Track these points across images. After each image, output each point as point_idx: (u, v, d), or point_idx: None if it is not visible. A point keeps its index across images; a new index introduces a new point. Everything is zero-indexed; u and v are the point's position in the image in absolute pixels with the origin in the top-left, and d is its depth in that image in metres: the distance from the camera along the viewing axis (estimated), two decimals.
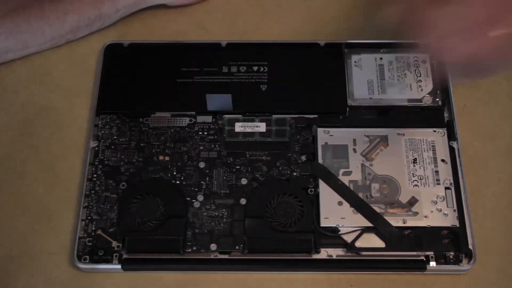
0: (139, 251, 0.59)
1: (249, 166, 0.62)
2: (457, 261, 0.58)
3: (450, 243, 0.59)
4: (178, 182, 0.62)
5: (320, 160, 0.62)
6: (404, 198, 0.60)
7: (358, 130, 0.63)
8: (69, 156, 0.64)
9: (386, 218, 0.59)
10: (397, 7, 0.51)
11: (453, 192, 0.60)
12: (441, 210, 0.59)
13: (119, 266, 0.58)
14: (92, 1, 0.67)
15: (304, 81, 0.66)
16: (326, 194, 0.60)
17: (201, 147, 0.63)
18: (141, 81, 0.66)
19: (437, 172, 0.61)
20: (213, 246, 0.59)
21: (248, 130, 0.64)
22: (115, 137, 0.64)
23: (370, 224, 0.59)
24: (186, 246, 0.59)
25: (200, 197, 0.61)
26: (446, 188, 0.60)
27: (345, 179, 0.61)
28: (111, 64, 0.67)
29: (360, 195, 0.60)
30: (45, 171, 0.64)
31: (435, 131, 0.63)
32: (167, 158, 0.63)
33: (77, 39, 0.70)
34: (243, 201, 0.61)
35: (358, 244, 0.58)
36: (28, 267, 0.60)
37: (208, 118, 0.64)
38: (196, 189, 0.61)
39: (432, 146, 0.62)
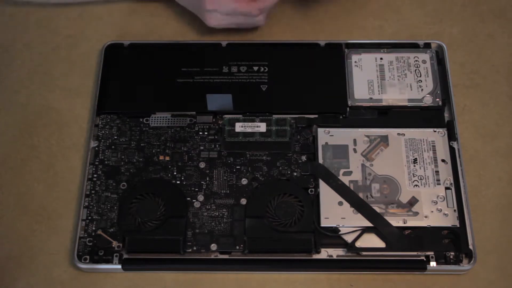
0: (140, 251, 0.59)
1: (250, 166, 0.62)
2: (458, 261, 0.58)
3: (451, 243, 0.59)
4: (178, 182, 0.62)
5: (320, 160, 0.62)
6: (404, 198, 0.60)
7: (359, 130, 0.63)
8: (69, 156, 0.64)
9: (387, 218, 0.59)
10: None
11: (453, 192, 0.60)
12: (441, 210, 0.59)
13: (119, 266, 0.58)
14: None
15: (305, 81, 0.66)
16: (327, 194, 0.60)
17: (202, 147, 0.63)
18: (141, 81, 0.66)
19: (437, 172, 0.61)
20: (214, 246, 0.59)
21: (249, 130, 0.64)
22: (115, 137, 0.64)
23: (370, 224, 0.59)
24: (186, 246, 0.59)
25: (201, 197, 0.61)
26: (446, 188, 0.60)
27: (345, 179, 0.61)
28: (111, 64, 0.67)
29: (361, 195, 0.60)
30: (45, 171, 0.64)
31: (435, 131, 0.63)
32: (167, 158, 0.63)
33: (77, 39, 0.70)
34: (243, 201, 0.61)
35: (358, 244, 0.58)
36: (28, 267, 0.60)
37: (209, 118, 0.64)
38: (197, 189, 0.61)
39: (432, 146, 0.62)
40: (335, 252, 0.59)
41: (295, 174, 0.62)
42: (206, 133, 0.64)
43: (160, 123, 0.64)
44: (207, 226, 0.60)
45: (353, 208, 0.60)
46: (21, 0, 0.69)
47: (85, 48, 0.70)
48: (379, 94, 0.65)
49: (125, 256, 0.59)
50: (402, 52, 0.67)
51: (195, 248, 0.59)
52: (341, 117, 0.64)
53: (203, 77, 0.66)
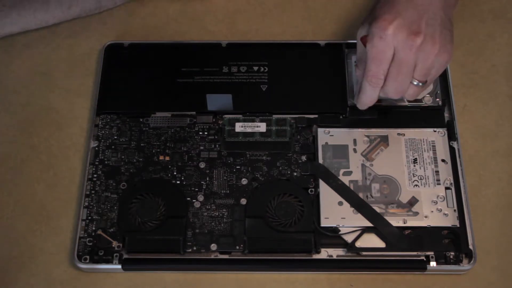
0: (140, 251, 0.59)
1: (250, 166, 0.62)
2: (457, 261, 0.58)
3: (451, 243, 0.59)
4: (178, 182, 0.62)
5: (320, 160, 0.62)
6: (404, 198, 0.60)
7: (358, 130, 0.63)
8: (69, 156, 0.64)
9: (387, 218, 0.59)
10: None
11: (453, 192, 0.60)
12: (441, 210, 0.59)
13: (119, 266, 0.58)
14: None
15: (304, 81, 0.66)
16: (326, 194, 0.60)
17: (202, 147, 0.63)
18: (141, 81, 0.66)
19: (437, 172, 0.61)
20: (214, 246, 0.59)
21: (249, 130, 0.64)
22: (115, 137, 0.64)
23: (370, 224, 0.59)
24: (186, 246, 0.59)
25: (201, 197, 0.61)
26: (446, 188, 0.60)
27: (345, 179, 0.61)
28: (111, 64, 0.67)
29: (360, 195, 0.60)
30: (45, 171, 0.64)
31: (435, 131, 0.63)
32: (167, 158, 0.63)
33: (77, 39, 0.70)
34: (243, 201, 0.61)
35: (358, 244, 0.58)
36: (28, 267, 0.60)
37: (209, 118, 0.64)
38: (197, 189, 0.61)
39: (432, 146, 0.62)
40: (335, 252, 0.59)
41: (295, 174, 0.62)
42: (206, 133, 0.64)
43: (160, 123, 0.64)
44: (207, 226, 0.60)
45: (353, 208, 0.60)
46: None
47: (85, 48, 0.70)
48: (379, 94, 0.65)
49: (125, 256, 0.59)
50: None
51: (195, 248, 0.59)
52: (341, 117, 0.64)
53: (203, 77, 0.66)
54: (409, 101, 0.64)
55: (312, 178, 0.61)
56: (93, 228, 0.60)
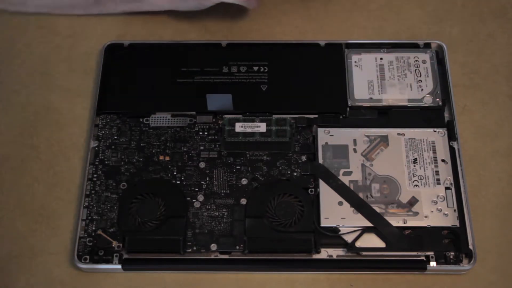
0: (140, 251, 0.59)
1: (250, 166, 0.62)
2: (458, 261, 0.58)
3: (451, 243, 0.59)
4: (178, 182, 0.62)
5: (320, 160, 0.62)
6: (404, 198, 0.60)
7: (358, 130, 0.63)
8: (69, 156, 0.64)
9: (387, 218, 0.59)
10: None
11: (453, 192, 0.60)
12: (441, 210, 0.59)
13: (119, 266, 0.58)
14: None
15: (304, 81, 0.66)
16: (326, 194, 0.60)
17: (202, 147, 0.63)
18: (141, 81, 0.66)
19: (437, 172, 0.61)
20: (214, 246, 0.59)
21: (249, 130, 0.64)
22: (115, 137, 0.64)
23: (370, 224, 0.59)
24: (186, 246, 0.59)
25: (201, 197, 0.61)
26: (446, 188, 0.60)
27: (345, 179, 0.61)
28: (111, 64, 0.67)
29: (360, 195, 0.60)
30: (45, 171, 0.64)
31: (435, 131, 0.63)
32: (167, 158, 0.63)
33: (77, 39, 0.70)
34: (243, 201, 0.61)
35: (358, 244, 0.58)
36: (28, 267, 0.60)
37: (209, 118, 0.64)
38: (197, 189, 0.61)
39: (432, 146, 0.62)
40: (335, 252, 0.59)
41: (295, 174, 0.62)
42: (206, 133, 0.64)
43: (160, 123, 0.64)
44: (207, 226, 0.60)
45: (353, 208, 0.60)
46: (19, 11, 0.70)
47: (85, 48, 0.70)
48: (379, 94, 0.65)
49: (125, 256, 0.59)
50: (402, 52, 0.67)
51: (195, 248, 0.59)
52: (341, 117, 0.64)
53: (203, 77, 0.66)
54: (409, 101, 0.64)
55: (312, 178, 0.61)
56: (93, 228, 0.60)
